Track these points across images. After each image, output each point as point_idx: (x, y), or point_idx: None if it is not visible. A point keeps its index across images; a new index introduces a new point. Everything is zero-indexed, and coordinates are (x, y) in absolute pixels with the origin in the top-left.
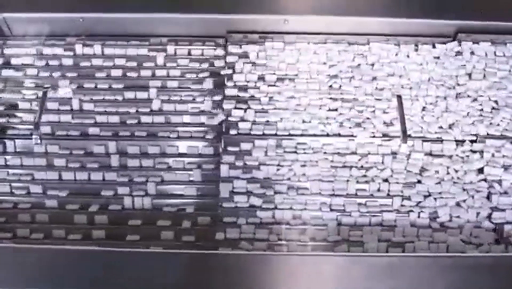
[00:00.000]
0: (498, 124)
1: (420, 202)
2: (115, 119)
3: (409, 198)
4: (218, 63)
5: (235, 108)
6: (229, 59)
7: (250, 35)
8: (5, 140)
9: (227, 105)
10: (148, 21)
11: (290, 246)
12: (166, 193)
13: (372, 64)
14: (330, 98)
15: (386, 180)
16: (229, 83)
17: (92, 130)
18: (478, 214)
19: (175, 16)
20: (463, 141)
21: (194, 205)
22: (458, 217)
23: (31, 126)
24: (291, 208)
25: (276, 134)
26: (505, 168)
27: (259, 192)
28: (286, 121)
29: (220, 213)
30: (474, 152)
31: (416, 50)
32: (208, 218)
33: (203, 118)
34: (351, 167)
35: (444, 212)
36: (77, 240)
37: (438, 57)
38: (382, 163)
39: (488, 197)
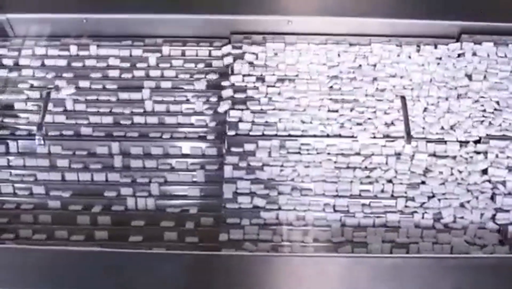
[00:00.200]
0: (500, 125)
1: (424, 202)
2: (118, 120)
3: (413, 199)
4: (220, 64)
5: (237, 109)
6: (231, 60)
7: (253, 36)
8: (8, 141)
9: (228, 106)
10: (152, 22)
11: (294, 247)
12: (169, 194)
13: (374, 65)
14: (331, 99)
15: (390, 181)
16: (231, 84)
17: (95, 131)
18: (482, 215)
19: (179, 17)
20: (467, 142)
21: (198, 206)
22: (462, 218)
23: (34, 127)
24: (294, 209)
25: (276, 135)
26: (509, 169)
27: (263, 192)
28: (286, 122)
29: (224, 214)
30: (478, 152)
31: (418, 51)
32: (211, 219)
33: (206, 119)
34: (354, 168)
35: (448, 213)
36: (80, 241)
37: (440, 58)
38: (386, 163)
39: (492, 198)
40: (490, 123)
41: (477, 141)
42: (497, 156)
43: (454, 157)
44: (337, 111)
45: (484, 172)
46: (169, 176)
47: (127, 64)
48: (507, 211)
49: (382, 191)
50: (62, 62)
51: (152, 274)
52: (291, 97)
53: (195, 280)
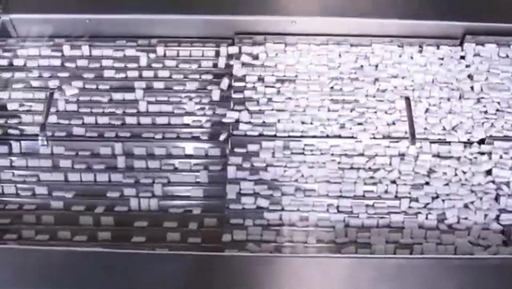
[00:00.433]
0: (502, 126)
1: (428, 203)
2: (121, 120)
3: (417, 200)
4: (223, 64)
5: (240, 110)
6: (233, 60)
7: (256, 37)
8: (11, 141)
9: (232, 107)
10: (156, 23)
11: (297, 248)
12: (172, 194)
13: (376, 66)
14: (332, 99)
15: (394, 182)
16: (234, 85)
17: (98, 131)
18: (486, 215)
19: (182, 18)
20: (471, 143)
21: (201, 207)
22: (466, 218)
23: (37, 128)
24: (298, 210)
25: (276, 136)
26: None
27: (266, 193)
28: (287, 123)
29: (227, 215)
30: (482, 153)
31: (420, 51)
32: (214, 219)
33: (208, 120)
34: (358, 169)
35: (452, 213)
36: (82, 242)
37: (442, 59)
38: (390, 164)
39: (496, 199)
40: (492, 124)
41: (481, 142)
42: (501, 157)
43: (458, 158)
44: (337, 111)
45: (488, 172)
46: (172, 177)
47: (130, 65)
48: (511, 211)
49: (386, 192)
50: (66, 63)
51: (155, 274)
52: (292, 98)
53: (198, 281)
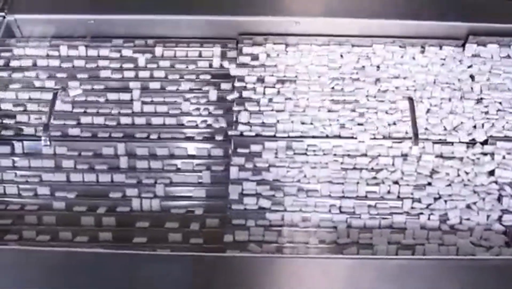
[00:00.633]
0: (503, 127)
1: (430, 204)
2: (123, 121)
3: (419, 200)
4: (226, 65)
5: (242, 110)
6: (237, 61)
7: (258, 37)
8: (13, 142)
9: (234, 107)
10: (160, 23)
11: (299, 248)
12: (174, 195)
13: (377, 66)
14: (333, 100)
15: (396, 182)
16: (236, 85)
17: (101, 132)
18: (488, 216)
19: (186, 18)
20: (474, 143)
21: (203, 207)
22: (468, 219)
23: (40, 128)
24: (300, 210)
25: (275, 136)
26: None
27: (268, 194)
28: (286, 123)
29: (229, 215)
30: (485, 154)
31: (423, 52)
32: (216, 220)
33: (211, 120)
34: (361, 169)
35: (455, 214)
36: (84, 242)
37: (444, 59)
38: (393, 165)
39: (499, 200)
40: (493, 124)
41: (483, 143)
42: (504, 157)
43: (461, 158)
44: (338, 111)
45: (491, 173)
46: (174, 177)
47: (134, 65)
48: None
49: (388, 192)
50: (70, 63)
51: (156, 275)
52: (292, 98)
53: (200, 282)
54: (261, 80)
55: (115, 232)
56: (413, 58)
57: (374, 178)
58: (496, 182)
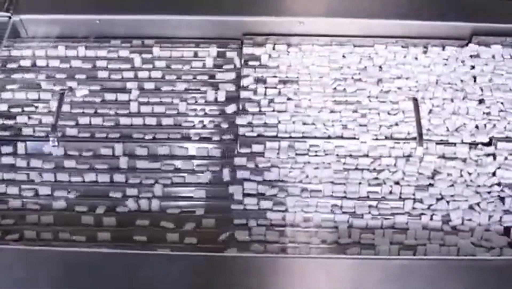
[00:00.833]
0: (504, 127)
1: (432, 204)
2: (125, 121)
3: (421, 201)
4: (230, 66)
5: (245, 110)
6: (240, 61)
7: (261, 38)
8: (16, 142)
9: (236, 108)
10: (164, 23)
11: (301, 249)
12: (175, 195)
13: (380, 66)
14: (335, 100)
15: (398, 183)
16: (239, 86)
17: (107, 132)
18: (490, 217)
19: (191, 19)
20: (476, 144)
21: (204, 207)
22: (470, 220)
23: (38, 128)
24: (302, 210)
25: (277, 136)
26: None
27: (270, 194)
28: (288, 124)
29: (231, 215)
30: (487, 154)
31: (425, 52)
32: (218, 220)
33: (214, 120)
34: (363, 170)
35: (457, 215)
36: (84, 242)
37: (447, 59)
38: (395, 165)
39: (501, 200)
40: (494, 125)
41: (486, 144)
42: (506, 158)
43: (463, 159)
44: (340, 112)
45: (493, 174)
46: (176, 178)
47: (138, 66)
48: None
49: (390, 193)
50: (77, 63)
51: (156, 275)
52: (294, 98)
53: (201, 282)
54: (263, 80)
55: (114, 232)
56: (416, 58)
57: (376, 178)
58: (499, 183)
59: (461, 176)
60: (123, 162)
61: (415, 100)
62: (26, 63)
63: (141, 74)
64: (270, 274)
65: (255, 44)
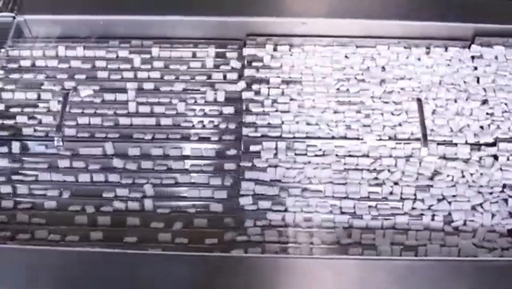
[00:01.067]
0: (508, 128)
1: (434, 205)
2: (126, 121)
3: (422, 201)
4: (232, 66)
5: (248, 111)
6: (242, 62)
7: (263, 38)
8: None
9: (240, 107)
10: (168, 24)
11: (301, 249)
12: (179, 195)
13: (383, 67)
14: (338, 101)
15: (399, 183)
16: (241, 86)
17: (110, 132)
18: (492, 218)
19: (193, 19)
20: (479, 144)
21: (203, 207)
22: (472, 221)
23: (48, 129)
24: (302, 211)
25: (281, 137)
26: None
27: (269, 194)
28: (291, 124)
29: (232, 215)
30: (489, 155)
31: (428, 53)
32: (216, 220)
33: (217, 121)
34: (366, 170)
35: (459, 215)
36: (75, 242)
37: (450, 60)
38: (397, 166)
39: (505, 201)
40: (498, 126)
41: (488, 144)
42: (508, 159)
43: (465, 159)
44: (343, 112)
45: (496, 174)
46: (182, 178)
47: (140, 66)
48: None
49: (391, 193)
50: (79, 64)
51: (159, 275)
52: (297, 99)
53: (200, 282)
54: (266, 81)
55: (106, 232)
56: (418, 59)
57: (375, 178)
58: (503, 184)
59: (463, 176)
60: (119, 162)
61: (419, 101)
62: (30, 63)
63: (144, 74)
64: (269, 274)
65: (257, 45)
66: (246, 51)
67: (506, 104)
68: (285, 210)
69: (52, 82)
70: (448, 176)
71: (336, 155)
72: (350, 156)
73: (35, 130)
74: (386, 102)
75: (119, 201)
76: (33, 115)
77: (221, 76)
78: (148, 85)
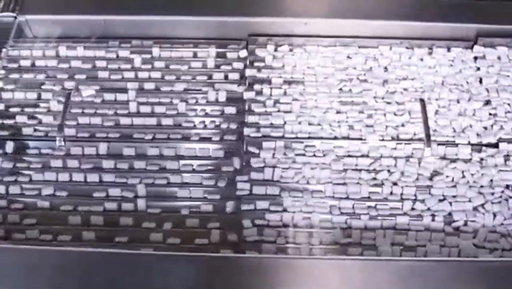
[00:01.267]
0: (511, 129)
1: (434, 205)
2: (126, 121)
3: (423, 202)
4: (235, 66)
5: (249, 111)
6: (244, 62)
7: (265, 38)
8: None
9: (242, 108)
10: (169, 24)
11: (299, 249)
12: (178, 196)
13: (385, 67)
14: (341, 101)
15: (401, 184)
16: (243, 86)
17: (98, 132)
18: (494, 218)
19: (196, 19)
20: (480, 145)
21: (200, 207)
22: (473, 221)
23: (48, 128)
24: (300, 211)
25: (283, 137)
26: None
27: (267, 194)
28: (294, 124)
29: (230, 216)
30: (490, 156)
31: (430, 53)
32: (214, 220)
33: (219, 121)
34: (366, 170)
35: (460, 216)
36: (66, 241)
37: (452, 60)
38: (395, 166)
39: (506, 202)
40: (501, 126)
41: (490, 145)
42: (509, 159)
43: (467, 160)
44: (346, 113)
45: (498, 175)
46: (172, 177)
47: (143, 66)
48: None
49: (391, 193)
50: (81, 64)
51: (158, 275)
52: (299, 99)
53: (199, 283)
54: (268, 81)
55: (99, 232)
56: (421, 59)
57: (374, 178)
58: (505, 185)
59: (464, 176)
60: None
61: (422, 101)
62: (31, 63)
63: (145, 74)
64: (267, 275)
65: (260, 45)
66: (248, 51)
67: (509, 104)
68: (283, 210)
69: (52, 82)
70: (452, 175)
71: (336, 155)
72: (356, 156)
73: (35, 130)
74: (389, 103)
75: (124, 202)
76: (33, 115)
77: (222, 76)
78: (149, 85)
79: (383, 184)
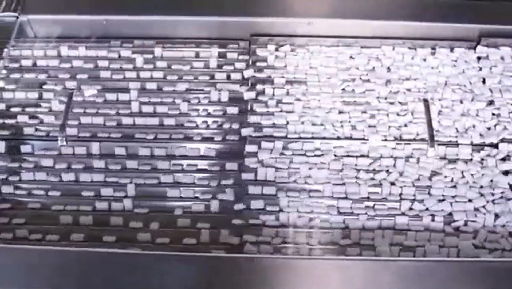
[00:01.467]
0: None
1: (435, 205)
2: (128, 121)
3: (423, 202)
4: (238, 65)
5: (250, 111)
6: (245, 63)
7: (267, 38)
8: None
9: (246, 108)
10: (171, 24)
11: (295, 250)
12: (179, 196)
13: (388, 68)
14: (343, 101)
15: (398, 184)
16: (245, 86)
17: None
18: (495, 219)
19: (198, 19)
20: (481, 145)
21: (198, 207)
22: (474, 221)
23: (50, 128)
24: (297, 211)
25: (286, 137)
26: None
27: (264, 194)
28: (296, 124)
29: (228, 216)
30: (492, 156)
31: (433, 53)
32: (212, 221)
33: (218, 121)
34: (367, 171)
35: (460, 216)
36: (55, 241)
37: (455, 61)
38: (394, 166)
39: (506, 202)
40: (505, 127)
41: (491, 145)
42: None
43: (467, 160)
44: (348, 113)
45: (498, 175)
46: (178, 177)
47: (145, 66)
48: None
49: (391, 194)
50: (83, 64)
51: (156, 275)
52: (302, 99)
53: (196, 283)
54: (271, 81)
55: (89, 231)
56: (424, 60)
57: (372, 178)
58: (509, 185)
59: (464, 177)
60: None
61: (425, 101)
62: (32, 63)
63: (147, 74)
64: (265, 275)
65: (262, 45)
66: (250, 52)
67: None
68: (279, 210)
69: (54, 82)
70: (452, 176)
71: (335, 155)
72: (355, 156)
73: (36, 130)
74: (392, 103)
75: (129, 200)
76: (35, 114)
77: (224, 76)
78: (151, 85)
79: (381, 184)
